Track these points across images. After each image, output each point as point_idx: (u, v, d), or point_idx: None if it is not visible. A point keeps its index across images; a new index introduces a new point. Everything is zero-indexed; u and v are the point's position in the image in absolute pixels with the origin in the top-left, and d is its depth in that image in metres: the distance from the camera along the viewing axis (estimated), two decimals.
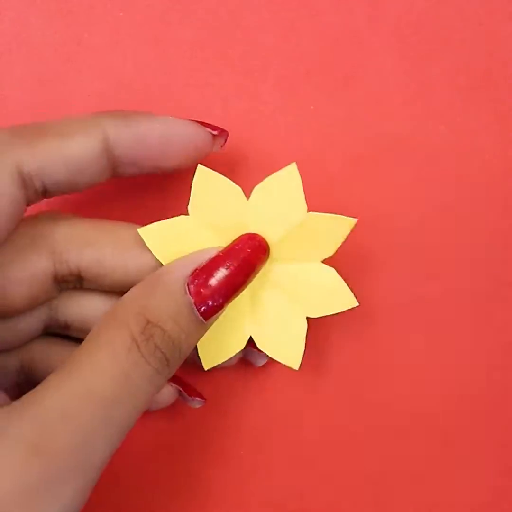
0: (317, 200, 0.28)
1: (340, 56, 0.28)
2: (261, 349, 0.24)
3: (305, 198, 0.24)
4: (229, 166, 0.28)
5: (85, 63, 0.28)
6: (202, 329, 0.22)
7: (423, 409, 0.28)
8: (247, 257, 0.23)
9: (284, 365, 0.24)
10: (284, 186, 0.24)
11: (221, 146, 0.26)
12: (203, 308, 0.21)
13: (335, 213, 0.24)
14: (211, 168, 0.24)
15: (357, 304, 0.24)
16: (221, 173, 0.24)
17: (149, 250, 0.24)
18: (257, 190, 0.24)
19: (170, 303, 0.21)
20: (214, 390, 0.28)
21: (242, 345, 0.24)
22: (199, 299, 0.21)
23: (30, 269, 0.23)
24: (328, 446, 0.28)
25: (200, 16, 0.28)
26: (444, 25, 0.28)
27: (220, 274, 0.22)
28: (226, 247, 0.23)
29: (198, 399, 0.26)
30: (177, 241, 0.24)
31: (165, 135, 0.24)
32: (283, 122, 0.28)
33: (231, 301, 0.22)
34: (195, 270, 0.22)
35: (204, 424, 0.28)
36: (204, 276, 0.22)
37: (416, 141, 0.28)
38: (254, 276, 0.23)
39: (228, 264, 0.22)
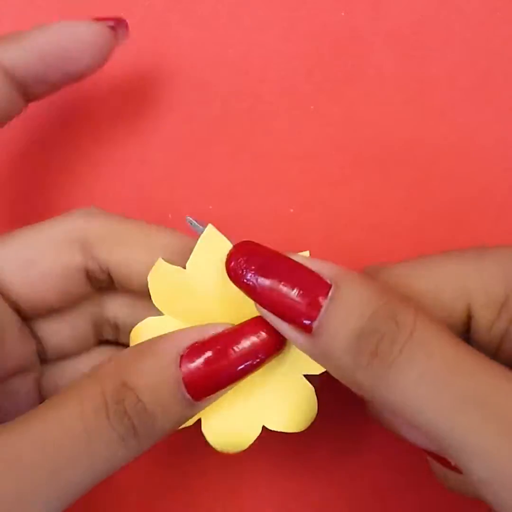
0: (317, 199, 0.28)
1: (340, 56, 0.28)
2: (274, 430, 0.21)
3: None
4: (228, 166, 0.28)
5: None
6: (190, 409, 0.19)
7: None
8: (254, 348, 0.20)
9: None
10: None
11: (126, 36, 0.25)
12: (192, 387, 0.19)
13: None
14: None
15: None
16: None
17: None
18: None
19: (154, 372, 0.19)
20: None
21: (257, 431, 0.21)
22: (190, 377, 0.19)
23: (62, 263, 0.22)
24: (329, 443, 0.28)
25: (200, 16, 0.28)
26: (444, 25, 0.28)
27: (219, 356, 0.19)
28: (234, 328, 0.20)
29: None
30: (178, 293, 0.21)
31: (62, 42, 0.23)
32: (283, 122, 0.28)
33: (230, 387, 0.20)
34: (194, 344, 0.19)
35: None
36: (202, 353, 0.19)
37: (416, 141, 0.28)
38: (261, 367, 0.20)
39: (230, 348, 0.19)
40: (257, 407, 0.21)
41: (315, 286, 0.18)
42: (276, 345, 0.20)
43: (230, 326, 0.20)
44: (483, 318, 0.20)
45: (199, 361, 0.19)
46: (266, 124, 0.28)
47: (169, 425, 0.19)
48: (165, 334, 0.20)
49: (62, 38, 0.23)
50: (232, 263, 0.19)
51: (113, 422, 0.18)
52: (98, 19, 0.24)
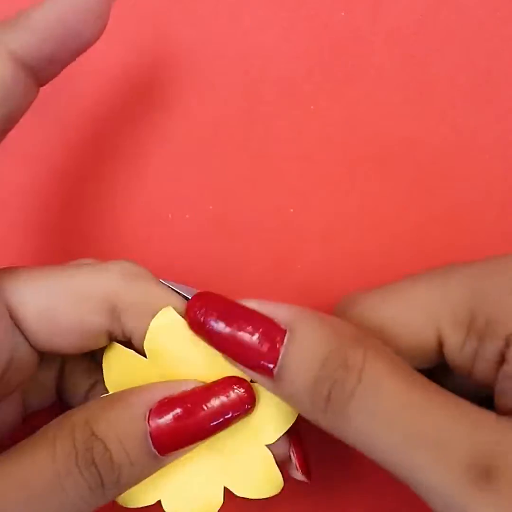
0: (317, 199, 0.28)
1: (340, 56, 0.28)
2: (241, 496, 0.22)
3: None
4: (228, 166, 0.28)
5: (85, 63, 0.28)
6: (155, 463, 0.20)
7: None
8: (224, 407, 0.20)
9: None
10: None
11: None
12: (159, 441, 0.19)
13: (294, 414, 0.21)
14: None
15: (281, 487, 0.21)
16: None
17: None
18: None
19: (123, 423, 0.19)
20: None
21: (220, 499, 0.22)
22: (157, 432, 0.19)
23: (86, 322, 0.21)
24: (328, 446, 0.28)
25: (200, 16, 0.28)
26: (444, 25, 0.28)
27: (188, 413, 0.20)
28: (206, 386, 0.20)
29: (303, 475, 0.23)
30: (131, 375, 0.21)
31: (65, 18, 0.21)
32: (283, 122, 0.28)
33: (197, 445, 0.20)
34: (164, 399, 0.20)
35: None
36: (171, 408, 0.20)
37: (416, 141, 0.28)
38: (231, 425, 0.20)
39: (199, 406, 0.20)
40: (217, 474, 0.21)
41: (271, 332, 0.19)
42: (245, 405, 0.20)
43: (200, 384, 0.21)
44: (453, 341, 0.20)
45: (167, 416, 0.20)
46: (266, 124, 0.28)
47: (134, 477, 0.20)
48: (136, 387, 0.21)
49: (64, 14, 0.22)
50: (192, 313, 0.20)
51: (82, 470, 0.19)
52: None
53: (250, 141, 0.28)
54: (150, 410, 0.19)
